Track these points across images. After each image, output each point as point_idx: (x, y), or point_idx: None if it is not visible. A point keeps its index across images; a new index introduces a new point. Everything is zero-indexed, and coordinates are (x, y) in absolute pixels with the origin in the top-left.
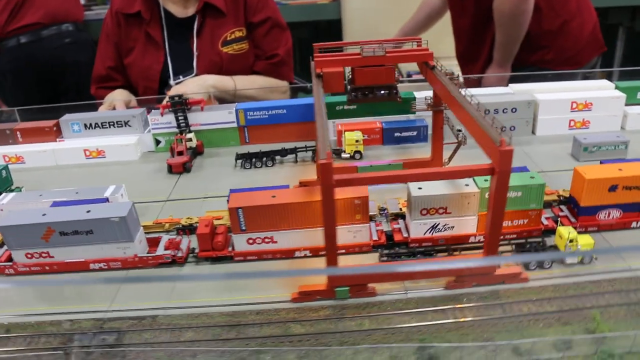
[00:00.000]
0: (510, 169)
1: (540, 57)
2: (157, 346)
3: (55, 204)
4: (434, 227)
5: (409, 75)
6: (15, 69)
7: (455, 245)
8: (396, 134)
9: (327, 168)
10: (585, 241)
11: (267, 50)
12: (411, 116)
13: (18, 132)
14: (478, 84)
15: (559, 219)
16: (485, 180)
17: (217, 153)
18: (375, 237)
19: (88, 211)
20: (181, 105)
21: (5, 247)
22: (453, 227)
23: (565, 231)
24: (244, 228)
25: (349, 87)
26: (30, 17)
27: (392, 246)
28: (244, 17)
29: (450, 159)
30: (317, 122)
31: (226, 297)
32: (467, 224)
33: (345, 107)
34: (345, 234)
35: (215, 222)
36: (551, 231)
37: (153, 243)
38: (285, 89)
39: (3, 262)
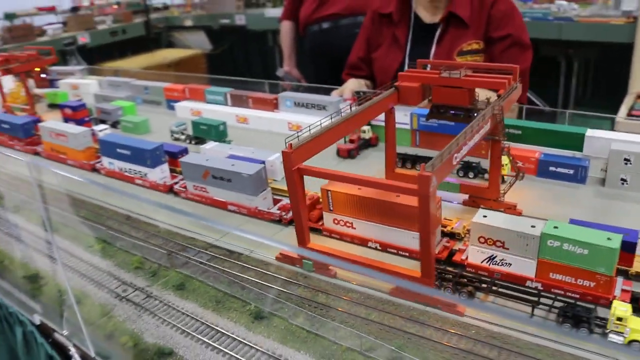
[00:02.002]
0: (428, 193)
1: None
2: (226, 274)
3: (231, 156)
4: (491, 258)
5: None
6: (314, 50)
7: (510, 283)
8: (551, 168)
9: (287, 156)
10: None
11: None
12: (578, 154)
13: (250, 99)
14: None
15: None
16: (556, 227)
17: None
18: (436, 251)
19: (233, 165)
20: (365, 100)
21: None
22: (510, 264)
23: (618, 307)
24: (331, 208)
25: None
26: (333, 7)
27: (449, 264)
28: (484, 30)
29: (505, 191)
30: None
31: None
32: (525, 266)
33: (510, 130)
34: (409, 239)
35: None
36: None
37: (277, 202)
38: (512, 108)
39: (180, 187)
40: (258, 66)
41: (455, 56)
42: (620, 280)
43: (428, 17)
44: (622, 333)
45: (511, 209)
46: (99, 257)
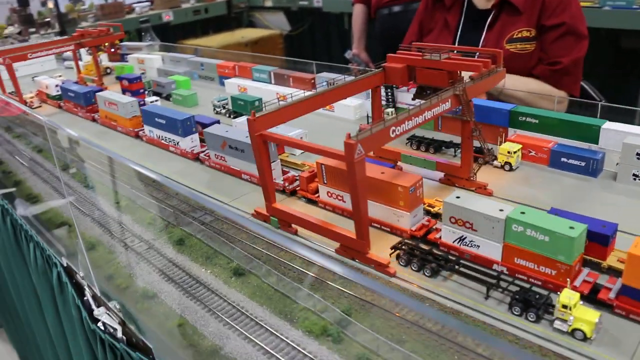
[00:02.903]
0: (353, 160)
1: None
2: (219, 233)
3: None
4: (461, 239)
5: None
6: (383, 34)
7: (476, 265)
8: (563, 159)
9: (251, 123)
10: (587, 317)
11: (551, 55)
12: (593, 146)
13: (290, 78)
14: None
15: (601, 288)
16: (523, 213)
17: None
18: (414, 228)
19: (246, 136)
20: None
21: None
22: (479, 246)
23: (566, 295)
24: (325, 182)
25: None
26: None
27: (425, 242)
28: (537, 18)
29: (475, 172)
30: None
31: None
32: (492, 249)
33: (528, 119)
34: (390, 215)
35: None
36: (587, 296)
37: (285, 174)
38: (561, 100)
39: (205, 156)
40: (337, 48)
41: (505, 43)
42: (586, 271)
43: (481, 2)
44: (567, 321)
45: (481, 189)
46: (121, 212)
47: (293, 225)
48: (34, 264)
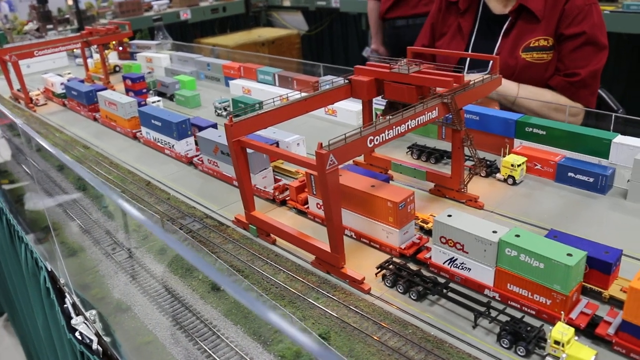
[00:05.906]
0: (324, 170)
1: None
2: (204, 242)
3: (251, 136)
4: (452, 261)
5: None
6: (390, 44)
7: (467, 289)
8: (570, 174)
9: (228, 129)
10: (582, 355)
11: (569, 66)
12: (603, 161)
13: (294, 81)
14: None
15: (600, 321)
16: (517, 236)
17: (412, 139)
18: (403, 246)
19: None
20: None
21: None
22: (470, 269)
23: (559, 329)
24: (314, 192)
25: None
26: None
27: (414, 261)
28: (555, 26)
29: (466, 183)
30: None
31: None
32: (484, 273)
33: (534, 130)
34: (380, 231)
35: None
36: (583, 330)
37: (277, 181)
38: (576, 112)
39: (198, 160)
40: (355, 48)
41: (520, 52)
42: (584, 301)
43: (498, 8)
44: (559, 358)
45: (472, 201)
46: (107, 218)
47: (272, 236)
48: (25, 264)
